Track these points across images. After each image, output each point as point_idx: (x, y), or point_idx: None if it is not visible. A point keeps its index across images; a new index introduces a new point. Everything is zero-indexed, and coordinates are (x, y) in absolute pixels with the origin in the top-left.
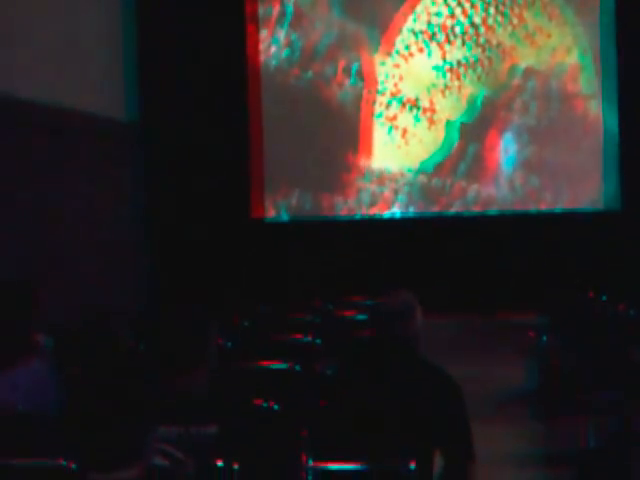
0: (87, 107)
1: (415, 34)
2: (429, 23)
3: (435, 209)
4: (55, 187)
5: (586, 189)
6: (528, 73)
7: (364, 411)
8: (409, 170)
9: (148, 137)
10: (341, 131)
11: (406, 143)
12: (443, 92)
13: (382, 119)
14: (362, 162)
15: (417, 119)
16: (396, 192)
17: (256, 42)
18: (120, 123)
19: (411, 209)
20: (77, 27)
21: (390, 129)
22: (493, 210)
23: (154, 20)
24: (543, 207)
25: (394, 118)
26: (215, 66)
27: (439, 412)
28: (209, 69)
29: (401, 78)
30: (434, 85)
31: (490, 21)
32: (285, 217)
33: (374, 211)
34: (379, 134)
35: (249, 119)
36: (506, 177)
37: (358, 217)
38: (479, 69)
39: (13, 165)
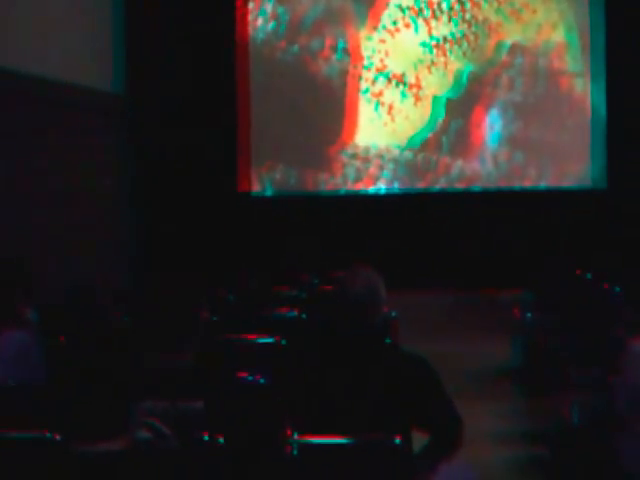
0: (73, 78)
1: (402, 9)
2: None
3: (420, 185)
4: (39, 159)
5: (573, 167)
6: (514, 49)
7: (339, 392)
8: (396, 146)
9: (134, 109)
10: (328, 106)
11: (392, 120)
12: (429, 68)
13: (368, 95)
14: (348, 138)
15: (403, 95)
16: (381, 168)
17: (244, 15)
18: (106, 94)
19: (396, 185)
20: None
21: (377, 105)
22: (479, 186)
23: None
24: (529, 184)
25: (380, 94)
26: (203, 39)
27: (416, 394)
28: (197, 42)
29: (387, 54)
30: (421, 61)
31: None
32: (271, 191)
33: (359, 187)
34: (365, 110)
35: (237, 92)
36: (492, 153)
37: (343, 192)
38: (465, 45)
39: None
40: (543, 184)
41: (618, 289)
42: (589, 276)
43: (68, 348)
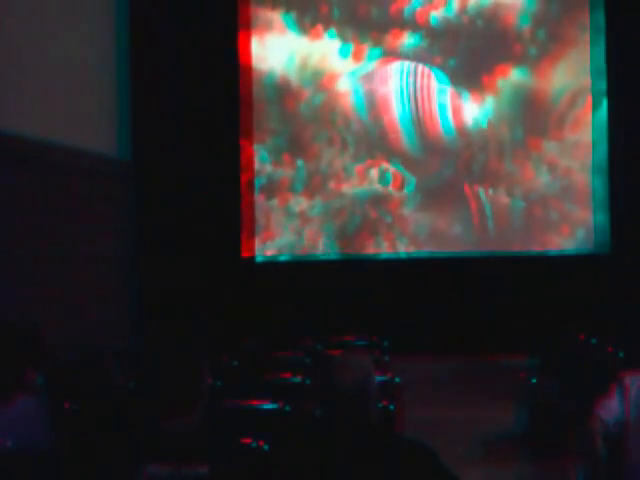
0: (79, 143)
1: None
2: None
3: (425, 249)
4: (44, 223)
5: (575, 231)
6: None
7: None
8: (398, 206)
9: (140, 174)
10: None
11: (397, 188)
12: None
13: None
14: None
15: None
16: (387, 231)
17: (248, 77)
18: (112, 160)
19: (402, 249)
20: (70, 62)
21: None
22: (483, 251)
23: (148, 56)
24: (534, 249)
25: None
26: (208, 105)
27: None
28: (202, 108)
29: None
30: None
31: None
32: (275, 256)
33: (360, 250)
34: (369, 175)
35: (240, 157)
36: (494, 218)
37: (347, 256)
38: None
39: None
40: (545, 249)
41: (622, 354)
42: (594, 341)
43: (72, 411)
